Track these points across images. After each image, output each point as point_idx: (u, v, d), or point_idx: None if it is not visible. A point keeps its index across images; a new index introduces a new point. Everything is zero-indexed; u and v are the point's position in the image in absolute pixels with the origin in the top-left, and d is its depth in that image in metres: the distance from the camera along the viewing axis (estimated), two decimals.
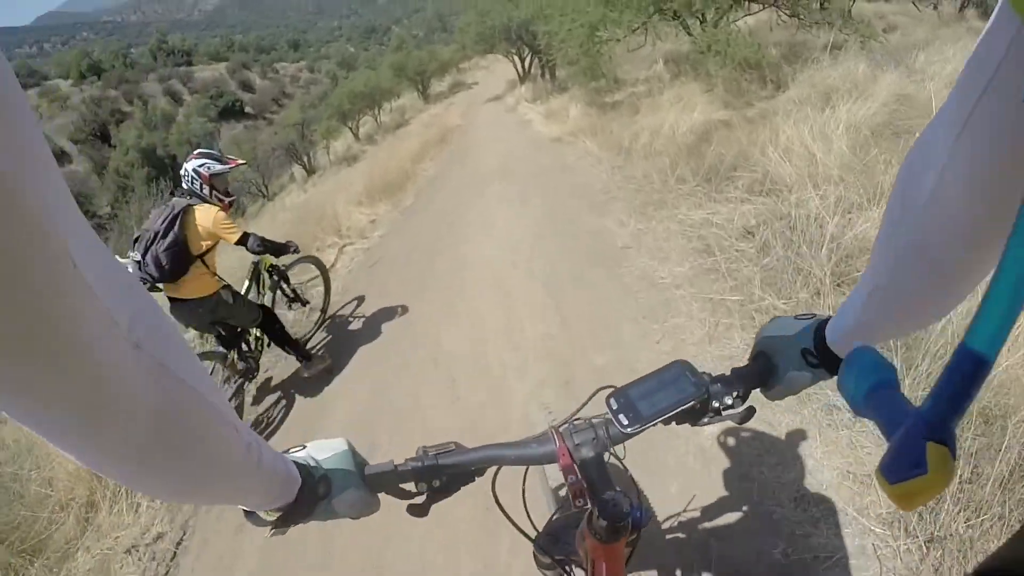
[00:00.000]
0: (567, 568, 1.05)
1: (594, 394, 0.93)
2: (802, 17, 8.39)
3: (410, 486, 0.84)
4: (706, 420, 0.84)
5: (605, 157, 7.04)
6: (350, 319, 4.92)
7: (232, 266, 5.30)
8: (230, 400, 3.60)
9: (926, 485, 0.35)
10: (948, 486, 0.45)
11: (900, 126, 4.82)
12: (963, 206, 0.48)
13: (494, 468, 0.91)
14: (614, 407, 0.80)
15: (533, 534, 1.04)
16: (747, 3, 8.58)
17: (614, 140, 7.35)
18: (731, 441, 2.41)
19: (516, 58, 18.92)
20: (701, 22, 8.76)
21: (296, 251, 3.89)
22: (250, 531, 2.87)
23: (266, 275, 4.21)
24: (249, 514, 0.72)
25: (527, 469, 1.05)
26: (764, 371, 0.85)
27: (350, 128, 25.47)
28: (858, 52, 7.08)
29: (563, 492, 1.58)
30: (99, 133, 55.51)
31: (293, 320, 4.88)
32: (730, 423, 0.88)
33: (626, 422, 0.77)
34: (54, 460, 3.40)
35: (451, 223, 6.55)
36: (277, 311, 4.17)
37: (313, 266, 4.97)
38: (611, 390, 0.83)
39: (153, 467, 0.47)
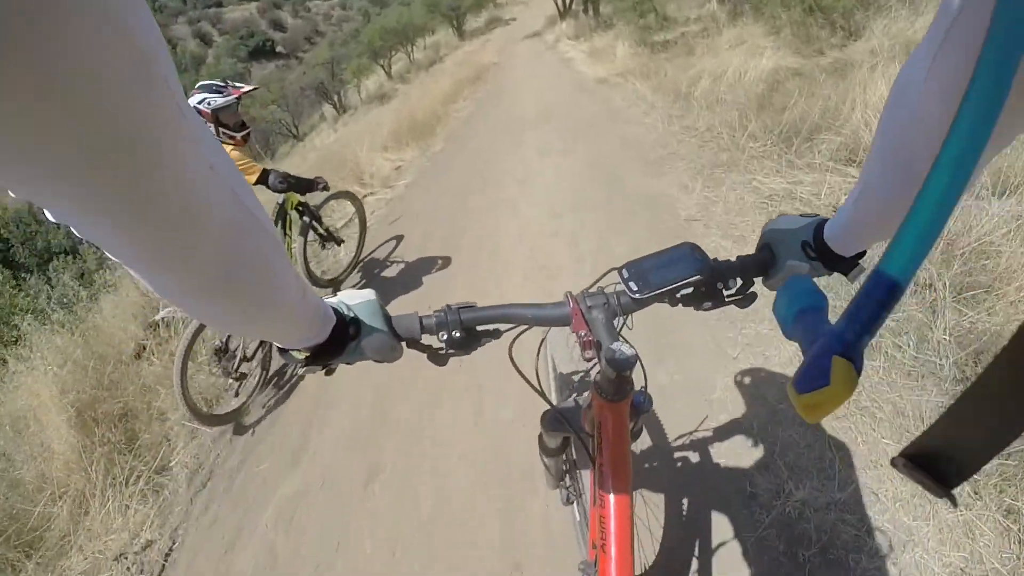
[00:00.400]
0: (573, 442, 1.13)
1: (607, 272, 0.92)
2: None
3: (432, 342, 0.88)
4: (709, 304, 0.87)
5: (659, 103, 6.21)
6: (387, 263, 4.63)
7: None
8: (257, 349, 3.44)
9: (827, 396, 0.38)
10: (849, 398, 0.41)
11: None
12: (940, 124, 0.47)
13: (511, 335, 0.94)
14: (625, 276, 0.84)
15: (544, 405, 1.05)
16: None
17: (669, 84, 6.50)
18: (826, 516, 1.82)
19: None
20: None
21: (325, 188, 3.67)
22: (240, 550, 2.60)
23: (294, 214, 3.81)
24: (283, 352, 0.78)
25: (541, 343, 1.10)
26: (766, 260, 0.87)
27: (382, 66, 24.68)
28: (938, 3, 6.09)
29: (576, 378, 1.66)
30: None
31: (324, 257, 4.81)
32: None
33: (635, 288, 0.82)
34: (49, 447, 3.19)
35: (483, 175, 5.88)
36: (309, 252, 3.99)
37: (348, 203, 4.73)
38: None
39: (218, 291, 0.48)
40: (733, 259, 0.88)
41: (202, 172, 0.40)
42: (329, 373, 0.84)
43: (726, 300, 0.87)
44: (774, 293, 0.66)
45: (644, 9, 8.70)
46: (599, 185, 4.68)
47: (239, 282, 0.50)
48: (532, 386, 0.99)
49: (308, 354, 0.77)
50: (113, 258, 0.41)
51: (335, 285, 4.30)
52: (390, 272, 4.45)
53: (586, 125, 6.41)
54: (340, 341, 0.78)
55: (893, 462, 0.34)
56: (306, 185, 3.52)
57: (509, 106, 8.68)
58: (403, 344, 0.87)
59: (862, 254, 0.80)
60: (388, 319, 0.85)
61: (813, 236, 0.81)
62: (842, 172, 3.55)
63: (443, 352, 0.89)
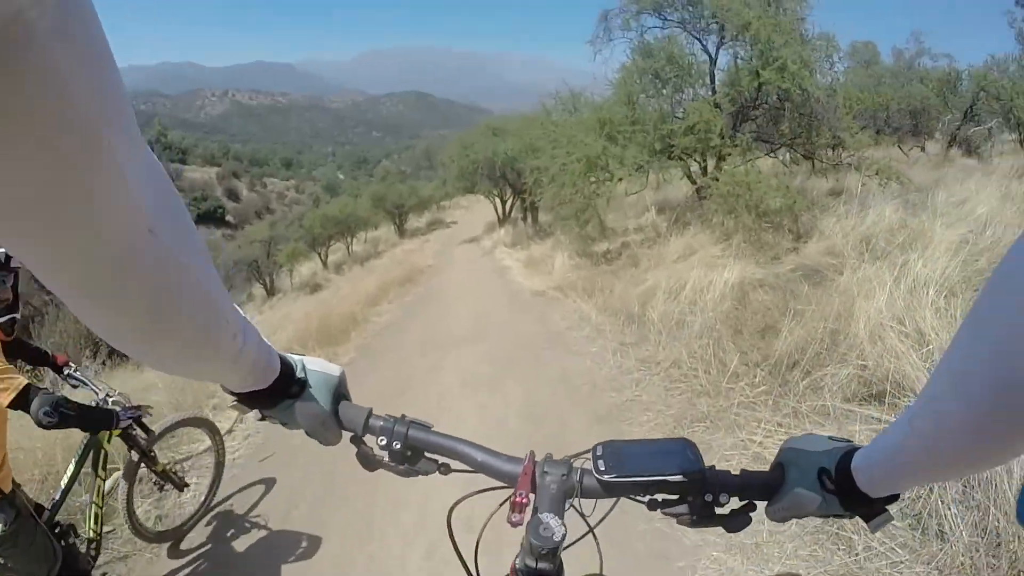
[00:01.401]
0: None
1: (593, 449, 0.75)
2: (821, 160, 7.90)
3: (374, 445, 0.82)
4: (693, 518, 0.73)
5: (607, 326, 5.30)
6: (244, 523, 3.30)
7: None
8: None
9: None
10: None
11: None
12: None
13: (455, 499, 0.84)
14: (598, 453, 0.73)
15: None
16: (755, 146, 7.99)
17: (617, 302, 5.69)
18: None
19: (497, 199, 18.07)
20: (702, 166, 8.09)
21: (135, 425, 2.68)
22: None
23: (108, 452, 2.71)
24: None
25: (493, 514, 0.83)
26: (775, 483, 0.73)
27: (319, 254, 24.31)
28: (880, 195, 6.52)
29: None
30: None
31: (161, 497, 3.42)
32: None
33: (603, 468, 0.70)
34: None
35: (389, 408, 4.38)
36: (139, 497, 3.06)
37: (202, 431, 3.55)
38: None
39: (147, 340, 0.50)
40: (736, 471, 0.74)
41: (137, 236, 0.41)
42: (250, 413, 0.80)
43: (715, 516, 0.72)
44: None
45: (585, 218, 8.24)
46: (535, 448, 3.43)
47: (168, 337, 0.51)
48: (461, 560, 0.83)
49: (245, 393, 0.74)
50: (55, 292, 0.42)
51: (175, 538, 3.15)
52: (241, 542, 3.11)
53: (520, 350, 5.38)
54: (276, 394, 0.75)
55: None
56: (98, 420, 2.39)
57: (436, 317, 7.72)
58: (341, 431, 0.83)
59: (893, 498, 0.66)
60: (338, 399, 0.82)
61: (836, 465, 0.68)
62: (866, 418, 2.69)
63: (378, 459, 0.81)
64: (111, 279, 0.41)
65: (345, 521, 3.09)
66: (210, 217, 67.98)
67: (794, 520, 2.19)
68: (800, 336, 3.54)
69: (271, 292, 23.18)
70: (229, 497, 3.56)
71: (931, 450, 0.55)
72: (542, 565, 0.67)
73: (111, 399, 2.64)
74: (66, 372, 2.74)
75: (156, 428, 2.97)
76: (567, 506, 0.74)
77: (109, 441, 2.68)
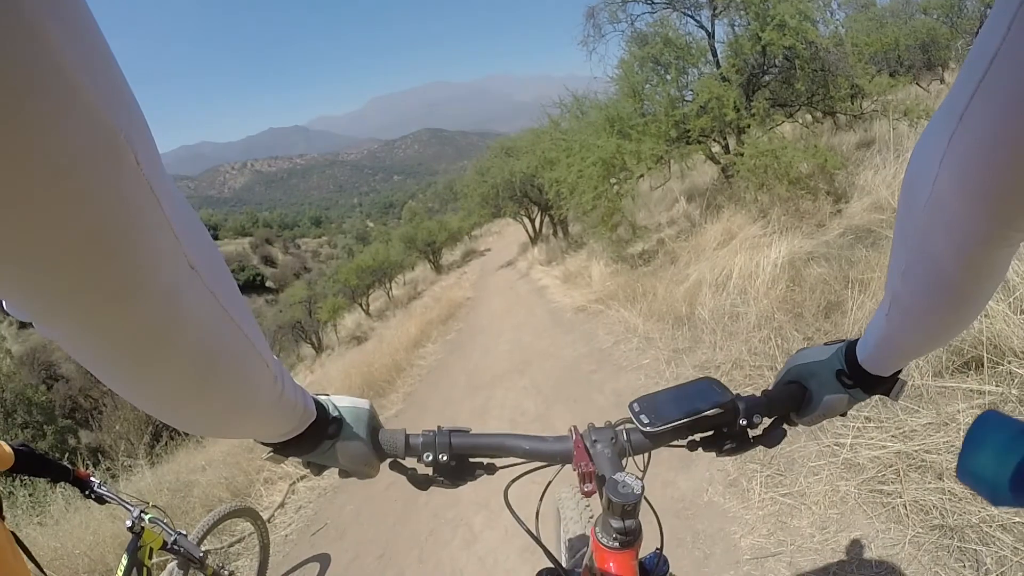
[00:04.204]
0: None
1: (630, 407, 0.80)
2: (843, 114, 7.54)
3: (417, 466, 0.82)
4: (731, 446, 0.79)
5: (655, 333, 4.91)
6: None
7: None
8: None
9: None
10: None
11: None
12: (961, 207, 0.43)
13: (510, 476, 0.86)
14: (636, 409, 0.77)
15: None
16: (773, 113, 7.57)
17: (662, 305, 5.29)
18: None
19: (525, 219, 17.81)
20: (723, 144, 7.74)
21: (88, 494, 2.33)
22: None
23: (150, 568, 2.40)
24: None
25: (544, 491, 0.95)
26: (797, 395, 0.81)
27: (360, 304, 24.38)
28: (913, 137, 6.22)
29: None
30: None
31: None
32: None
33: (647, 421, 0.75)
34: None
35: None
36: None
37: (245, 520, 3.36)
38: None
39: (190, 398, 0.45)
40: (758, 394, 0.80)
41: (180, 273, 0.36)
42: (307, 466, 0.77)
43: (751, 440, 0.79)
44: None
45: (615, 222, 7.88)
46: None
47: (213, 390, 0.46)
48: (527, 531, 0.82)
49: (281, 442, 0.68)
50: (79, 362, 0.36)
51: None
52: None
53: (567, 377, 5.02)
54: (315, 437, 0.71)
55: None
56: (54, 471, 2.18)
57: (480, 353, 7.40)
58: (380, 462, 0.80)
59: (899, 370, 0.73)
60: (374, 431, 0.79)
61: (846, 362, 0.76)
62: (966, 393, 2.34)
63: (427, 476, 0.81)
64: (154, 326, 0.35)
65: None
66: (251, 286, 69.99)
67: (905, 542, 1.89)
68: (870, 309, 3.15)
69: (319, 349, 23.40)
70: None
71: (905, 328, 0.62)
72: (628, 522, 0.68)
73: (147, 516, 2.41)
74: (91, 487, 2.50)
75: (196, 531, 2.75)
76: (623, 465, 0.76)
77: (150, 557, 2.41)
